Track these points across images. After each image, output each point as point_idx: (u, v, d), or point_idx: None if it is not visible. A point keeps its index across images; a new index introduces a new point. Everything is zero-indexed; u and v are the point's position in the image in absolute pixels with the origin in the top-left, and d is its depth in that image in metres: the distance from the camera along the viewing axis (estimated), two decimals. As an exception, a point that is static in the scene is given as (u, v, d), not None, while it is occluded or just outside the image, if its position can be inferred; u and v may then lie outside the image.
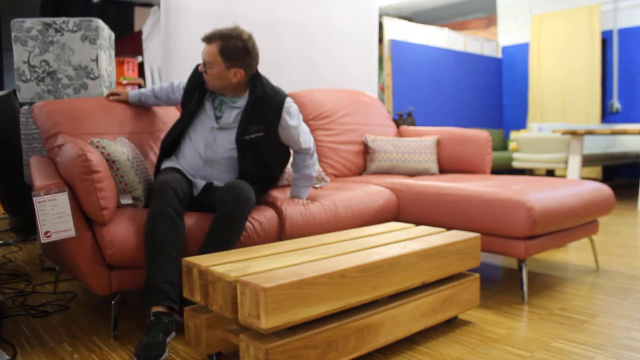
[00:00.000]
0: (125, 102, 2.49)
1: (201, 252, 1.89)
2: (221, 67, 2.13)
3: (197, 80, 2.26)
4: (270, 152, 2.27)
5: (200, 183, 2.16)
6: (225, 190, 2.01)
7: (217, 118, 2.22)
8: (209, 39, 2.14)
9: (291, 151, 2.40)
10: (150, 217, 1.85)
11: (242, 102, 2.22)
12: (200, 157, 2.20)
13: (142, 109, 2.54)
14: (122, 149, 2.12)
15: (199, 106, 2.25)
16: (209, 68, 2.15)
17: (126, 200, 2.02)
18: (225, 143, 2.20)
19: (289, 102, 2.28)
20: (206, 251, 1.88)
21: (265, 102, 2.21)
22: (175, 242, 1.83)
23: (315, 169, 2.44)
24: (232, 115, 2.21)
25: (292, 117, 2.28)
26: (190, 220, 1.98)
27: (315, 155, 2.43)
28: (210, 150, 2.20)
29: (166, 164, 2.23)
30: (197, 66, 2.27)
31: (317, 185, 2.77)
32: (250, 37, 2.17)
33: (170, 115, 2.65)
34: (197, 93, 2.25)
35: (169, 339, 1.75)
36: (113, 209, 1.87)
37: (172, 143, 2.26)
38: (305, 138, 2.36)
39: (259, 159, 2.22)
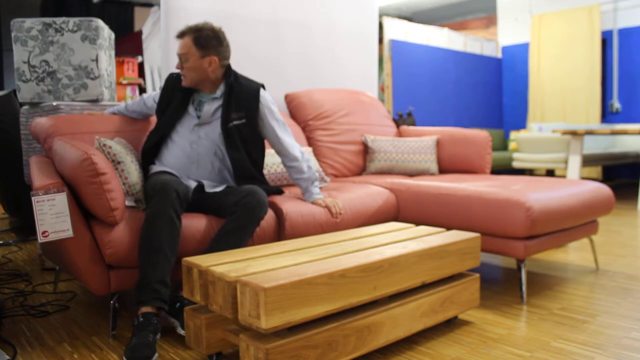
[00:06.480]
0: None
1: (208, 252, 1.90)
2: (196, 57, 2.17)
3: (173, 87, 2.29)
4: (253, 142, 2.29)
5: (192, 184, 2.16)
6: (244, 195, 2.01)
7: (198, 117, 2.25)
8: (181, 34, 2.19)
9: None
10: (149, 217, 1.84)
11: (219, 94, 2.26)
12: (186, 157, 2.21)
13: None
14: (124, 149, 2.12)
15: (182, 111, 2.25)
16: (184, 62, 2.18)
17: (129, 203, 2.02)
18: (209, 137, 2.23)
19: (263, 92, 2.32)
20: (214, 251, 1.88)
21: (241, 90, 2.26)
22: (171, 242, 1.83)
23: (312, 166, 2.40)
24: (211, 108, 2.24)
25: (270, 106, 2.32)
26: (185, 220, 1.98)
27: (307, 156, 2.38)
28: (196, 146, 2.22)
29: (155, 169, 2.23)
30: (170, 75, 2.33)
31: (317, 185, 2.77)
32: (220, 29, 2.24)
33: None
34: (177, 99, 2.26)
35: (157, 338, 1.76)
36: (123, 208, 1.87)
37: (153, 148, 2.26)
38: (292, 141, 2.35)
39: (246, 148, 2.25)
